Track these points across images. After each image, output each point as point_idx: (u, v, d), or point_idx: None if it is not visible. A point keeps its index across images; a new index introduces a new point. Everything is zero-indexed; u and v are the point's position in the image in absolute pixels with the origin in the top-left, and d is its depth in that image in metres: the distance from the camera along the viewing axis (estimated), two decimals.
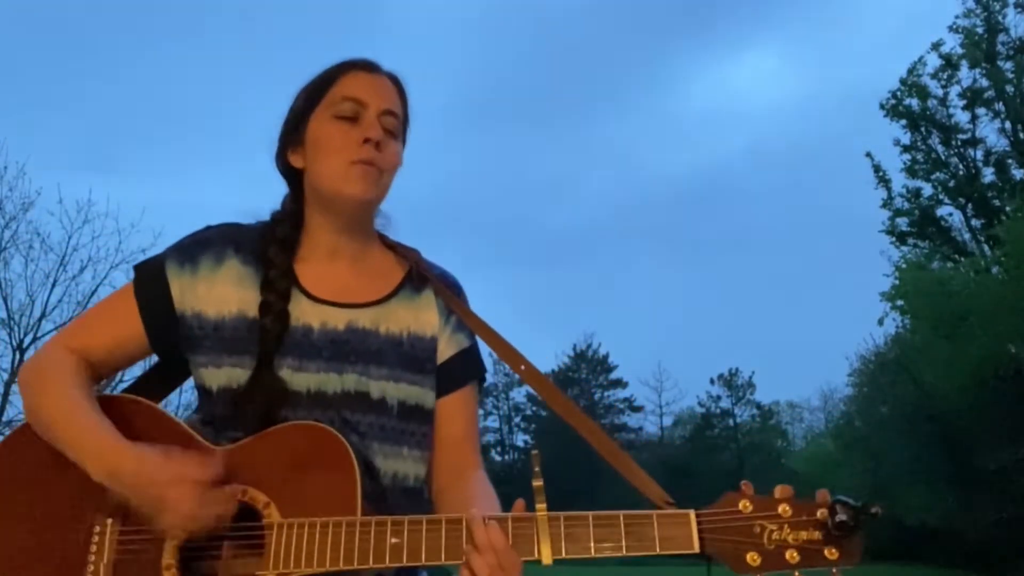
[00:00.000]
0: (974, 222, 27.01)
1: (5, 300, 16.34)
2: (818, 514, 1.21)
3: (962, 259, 24.60)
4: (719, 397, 52.69)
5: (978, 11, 26.34)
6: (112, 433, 1.35)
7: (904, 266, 24.68)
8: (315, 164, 1.48)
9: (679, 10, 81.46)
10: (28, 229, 16.54)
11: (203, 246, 1.50)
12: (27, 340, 16.31)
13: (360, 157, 1.45)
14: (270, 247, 1.50)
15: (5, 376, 16.07)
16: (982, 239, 25.84)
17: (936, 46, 26.79)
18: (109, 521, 1.35)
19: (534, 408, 51.56)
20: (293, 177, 1.55)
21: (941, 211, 27.58)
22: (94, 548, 1.33)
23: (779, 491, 1.24)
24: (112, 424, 1.37)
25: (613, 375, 52.61)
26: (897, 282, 23.91)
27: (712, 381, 52.73)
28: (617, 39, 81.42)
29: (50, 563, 1.34)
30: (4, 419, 15.90)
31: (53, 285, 16.53)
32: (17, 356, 16.17)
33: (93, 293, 16.49)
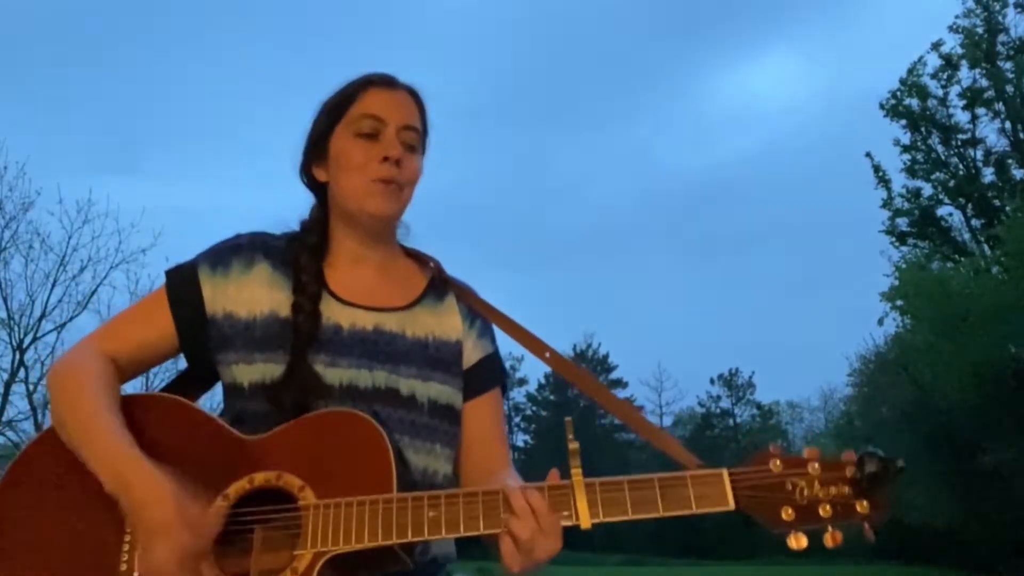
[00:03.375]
0: (974, 222, 26.99)
1: (5, 300, 16.33)
2: (847, 471, 1.26)
3: (962, 259, 24.54)
4: (719, 397, 52.77)
5: (978, 11, 26.34)
6: (128, 451, 1.33)
7: (904, 266, 24.63)
8: (338, 180, 1.54)
9: (696, 11, 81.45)
10: (28, 229, 16.56)
11: (234, 251, 1.56)
12: (27, 340, 16.32)
13: (380, 175, 1.50)
14: (301, 254, 1.55)
15: (5, 376, 16.07)
16: (982, 239, 25.80)
17: (936, 46, 26.79)
18: None
19: (534, 408, 51.61)
20: (318, 189, 1.61)
21: (941, 211, 27.58)
22: (127, 538, 1.34)
23: (807, 452, 1.29)
24: (131, 439, 1.35)
25: (613, 375, 52.60)
26: (897, 282, 23.87)
27: (712, 381, 52.82)
28: (634, 40, 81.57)
29: (85, 555, 1.34)
30: (4, 419, 15.92)
31: (53, 285, 16.52)
32: (17, 356, 16.17)
33: (93, 293, 16.50)
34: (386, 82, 1.57)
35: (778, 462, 1.28)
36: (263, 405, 1.45)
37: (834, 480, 1.26)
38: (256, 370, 1.47)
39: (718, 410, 52.53)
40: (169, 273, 1.58)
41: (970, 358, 19.76)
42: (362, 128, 1.52)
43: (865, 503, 1.25)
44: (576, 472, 1.27)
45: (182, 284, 1.54)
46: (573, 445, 1.29)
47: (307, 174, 1.60)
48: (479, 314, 1.62)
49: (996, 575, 22.12)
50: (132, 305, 1.63)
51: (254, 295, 1.52)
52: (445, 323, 1.58)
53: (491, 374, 1.61)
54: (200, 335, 1.52)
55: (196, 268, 1.55)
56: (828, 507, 1.24)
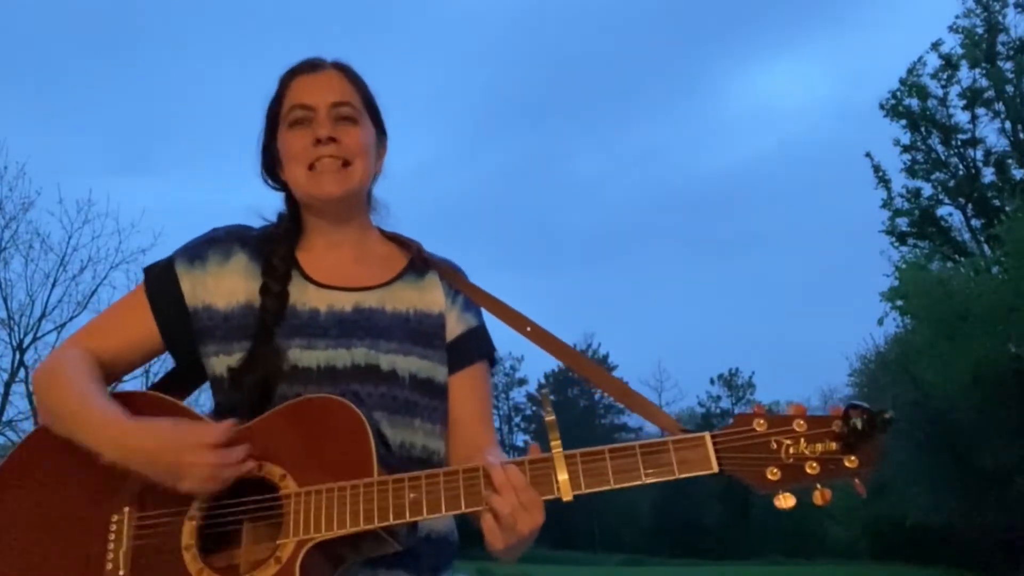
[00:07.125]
0: (974, 222, 27.00)
1: (5, 300, 16.39)
2: (833, 426, 1.22)
3: (962, 259, 24.54)
4: (719, 397, 52.79)
5: (978, 11, 26.33)
6: (120, 414, 1.37)
7: (904, 266, 24.62)
8: (288, 174, 1.56)
9: (707, 15, 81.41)
10: (28, 229, 16.59)
11: (210, 244, 1.57)
12: (27, 340, 16.33)
13: (315, 158, 1.50)
14: (273, 240, 1.56)
15: (5, 376, 16.08)
16: (982, 239, 25.80)
17: (936, 46, 26.78)
18: (127, 509, 1.35)
19: (534, 408, 51.58)
20: (284, 186, 1.61)
21: (941, 211, 27.60)
22: (112, 537, 1.34)
23: (792, 409, 1.26)
24: (120, 407, 1.38)
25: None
26: (897, 282, 23.86)
27: (712, 381, 52.82)
28: (644, 42, 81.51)
29: (71, 559, 1.34)
30: (4, 419, 15.92)
31: (53, 285, 16.58)
32: (17, 356, 16.18)
33: (93, 293, 16.55)
34: (310, 67, 1.58)
35: (762, 422, 1.25)
36: (242, 395, 1.44)
37: (820, 436, 1.23)
38: (233, 360, 1.47)
39: (718, 410, 52.49)
40: (147, 270, 1.58)
41: (970, 358, 19.73)
42: (294, 118, 1.53)
43: (853, 457, 1.20)
44: (556, 445, 1.26)
45: (160, 280, 1.54)
46: (550, 418, 1.28)
47: (270, 177, 1.62)
48: (462, 291, 1.61)
49: (995, 575, 22.11)
50: (112, 304, 1.63)
51: (231, 286, 1.52)
52: (427, 297, 1.57)
53: (476, 346, 1.59)
54: (183, 330, 1.52)
55: (173, 263, 1.55)
56: (815, 464, 1.21)
